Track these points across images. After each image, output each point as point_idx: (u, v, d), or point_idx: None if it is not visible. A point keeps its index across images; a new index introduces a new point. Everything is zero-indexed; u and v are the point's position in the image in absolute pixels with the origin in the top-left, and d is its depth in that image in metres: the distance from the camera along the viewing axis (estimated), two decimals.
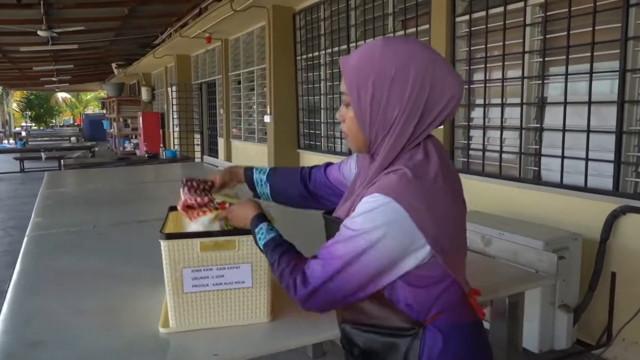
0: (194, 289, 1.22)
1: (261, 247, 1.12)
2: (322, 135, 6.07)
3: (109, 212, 2.84)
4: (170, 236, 1.19)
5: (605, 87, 2.99)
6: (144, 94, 15.29)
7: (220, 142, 9.56)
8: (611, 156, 2.88)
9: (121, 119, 15.97)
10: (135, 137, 15.35)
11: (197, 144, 11.01)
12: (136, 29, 9.96)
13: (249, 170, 1.44)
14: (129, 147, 15.39)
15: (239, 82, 8.53)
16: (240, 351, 1.18)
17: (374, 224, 0.93)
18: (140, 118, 13.69)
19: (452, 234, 0.99)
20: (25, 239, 2.25)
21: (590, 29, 2.91)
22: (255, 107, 7.86)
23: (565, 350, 2.85)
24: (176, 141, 11.05)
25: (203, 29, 7.91)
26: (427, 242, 0.94)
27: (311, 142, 6.39)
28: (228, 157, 9.06)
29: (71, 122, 35.87)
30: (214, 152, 10.28)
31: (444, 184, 0.98)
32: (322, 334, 1.22)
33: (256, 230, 1.14)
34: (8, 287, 1.65)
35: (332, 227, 1.12)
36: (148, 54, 11.67)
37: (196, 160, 9.48)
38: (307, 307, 1.01)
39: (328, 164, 1.41)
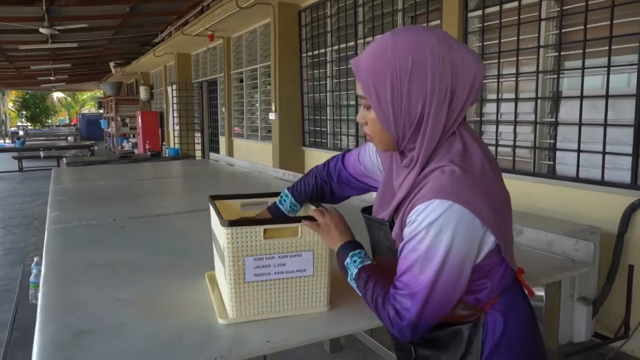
0: (255, 278, 1.19)
1: (356, 270, 1.07)
2: (328, 132, 6.06)
3: (125, 206, 2.82)
4: (233, 223, 1.16)
5: (622, 81, 2.99)
6: (143, 93, 15.23)
7: (222, 140, 9.53)
8: (629, 149, 2.88)
9: (119, 118, 15.90)
10: (134, 136, 15.30)
11: (198, 143, 10.98)
12: (136, 27, 9.93)
13: (272, 207, 1.40)
14: (127, 146, 15.32)
15: (241, 80, 8.50)
16: (293, 339, 1.16)
17: (442, 234, 0.90)
18: (139, 117, 13.64)
19: (507, 218, 0.99)
20: (46, 232, 2.22)
21: (607, 22, 2.92)
22: (258, 105, 7.84)
23: (583, 343, 2.85)
24: (176, 140, 11.01)
25: (206, 27, 7.88)
26: (491, 234, 0.93)
27: (316, 140, 6.38)
28: (230, 155, 9.03)
29: (67, 121, 35.68)
30: (215, 151, 10.25)
31: (490, 170, 0.97)
32: (374, 320, 1.20)
33: (352, 252, 1.10)
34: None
35: (374, 227, 1.12)
36: (148, 52, 11.63)
37: (197, 158, 9.45)
38: (413, 337, 0.98)
39: (343, 158, 1.37)
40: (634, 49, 2.82)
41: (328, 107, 6.03)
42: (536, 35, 3.36)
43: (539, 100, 3.39)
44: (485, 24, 3.76)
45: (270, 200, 1.45)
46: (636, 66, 2.82)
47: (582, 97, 3.11)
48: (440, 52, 0.94)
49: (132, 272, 1.64)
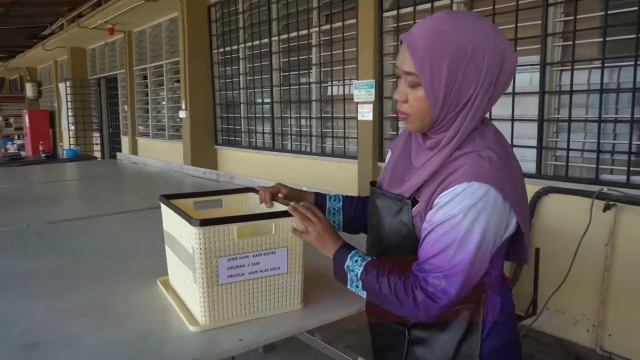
0: (229, 280, 1.13)
1: (362, 268, 1.05)
2: (242, 130, 5.97)
3: (35, 211, 2.58)
4: (205, 222, 1.08)
5: (526, 79, 3.26)
6: (29, 90, 13.99)
7: (125, 140, 9.03)
8: (534, 142, 3.15)
9: (2, 118, 14.45)
10: (19, 137, 13.98)
11: (97, 143, 10.30)
12: (23, 18, 9.09)
13: (320, 197, 1.33)
14: (12, 148, 13.97)
15: (145, 77, 8.11)
16: (265, 335, 1.13)
17: (480, 218, 0.92)
18: (27, 116, 12.48)
19: (526, 203, 1.04)
20: None
21: (513, 25, 3.16)
22: (165, 103, 7.52)
23: None
24: (72, 140, 10.24)
25: (105, 20, 7.42)
26: (515, 218, 0.98)
27: (230, 138, 6.25)
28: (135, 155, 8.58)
29: None
30: (115, 151, 9.68)
31: (515, 157, 1.03)
32: (348, 308, 1.21)
33: (350, 255, 1.08)
34: None
35: (385, 203, 1.10)
36: (36, 45, 10.70)
37: (98, 159, 8.86)
38: (436, 318, 1.00)
39: None
40: (537, 50, 3.08)
41: (242, 105, 5.93)
42: None
43: None
44: (400, 24, 3.91)
45: (226, 198, 1.39)
46: (538, 66, 3.08)
47: None
48: (496, 41, 0.96)
49: (66, 280, 1.51)
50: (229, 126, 6.23)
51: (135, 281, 1.45)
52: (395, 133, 4.09)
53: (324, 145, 4.83)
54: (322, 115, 4.81)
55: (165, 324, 1.19)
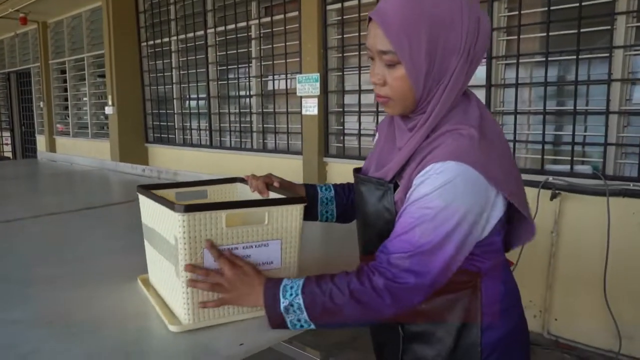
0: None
1: (301, 296, 0.92)
2: (176, 127, 5.69)
3: None
4: (190, 208, 0.95)
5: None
6: None
7: (40, 140, 8.35)
8: None
9: None
10: None
11: (7, 143, 9.47)
12: None
13: (311, 188, 1.23)
14: None
15: (63, 72, 7.54)
16: (266, 337, 1.01)
17: (456, 197, 0.86)
18: None
19: (519, 186, 0.98)
20: None
21: None
22: (87, 99, 7.02)
23: None
24: None
25: (16, 8, 6.81)
26: (503, 200, 0.92)
27: (162, 135, 5.94)
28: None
29: None
30: (31, 152, 8.95)
31: (503, 139, 0.96)
32: None
33: (281, 288, 0.94)
34: None
35: (369, 189, 1.03)
36: None
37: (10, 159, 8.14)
38: (411, 305, 0.90)
39: None
40: None
41: (175, 100, 5.65)
42: None
43: None
44: (344, 17, 3.86)
45: (211, 188, 1.26)
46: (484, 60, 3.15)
47: None
48: (471, 6, 0.89)
49: (12, 288, 1.30)
50: (161, 123, 5.92)
51: (97, 285, 1.27)
52: (340, 128, 4.05)
53: (265, 141, 4.70)
54: (264, 110, 4.68)
55: (145, 329, 1.04)
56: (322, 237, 1.83)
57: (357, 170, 1.11)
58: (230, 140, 5.08)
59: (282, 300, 0.93)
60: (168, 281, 1.08)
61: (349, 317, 0.90)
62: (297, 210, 1.07)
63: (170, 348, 0.97)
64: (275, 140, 4.59)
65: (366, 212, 1.04)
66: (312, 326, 0.94)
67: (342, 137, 4.04)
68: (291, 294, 0.93)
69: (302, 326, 0.94)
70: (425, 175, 0.88)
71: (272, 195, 1.15)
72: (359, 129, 3.89)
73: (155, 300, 1.12)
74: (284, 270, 1.09)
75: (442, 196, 0.86)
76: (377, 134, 1.16)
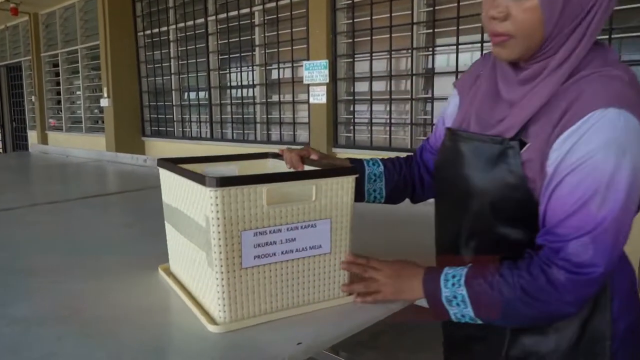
0: (256, 262, 0.83)
1: (465, 287, 0.80)
2: (175, 119, 5.49)
3: None
4: (224, 182, 0.78)
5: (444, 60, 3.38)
6: None
7: (32, 135, 8.11)
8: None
9: None
10: None
11: None
12: None
13: (357, 163, 1.06)
14: None
15: (56, 65, 7.30)
16: (325, 335, 0.84)
17: (625, 152, 0.70)
18: None
19: None
20: None
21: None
22: (81, 92, 6.79)
23: None
24: None
25: None
26: None
27: (160, 128, 5.74)
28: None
29: None
30: (21, 148, 8.70)
31: None
32: None
33: (442, 277, 0.83)
34: None
35: (475, 146, 0.85)
36: None
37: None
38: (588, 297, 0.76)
39: (422, 148, 1.11)
40: (477, 29, 3.02)
41: (173, 92, 5.45)
42: (409, 12, 3.40)
43: (414, 77, 3.44)
44: (355, 0, 3.70)
45: (241, 164, 1.09)
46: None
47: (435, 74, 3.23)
48: None
49: (13, 282, 1.11)
50: (159, 115, 5.72)
51: (114, 276, 1.10)
52: (349, 117, 3.88)
53: (270, 132, 4.52)
54: (268, 100, 4.49)
55: (174, 327, 0.87)
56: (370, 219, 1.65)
57: (449, 129, 0.92)
58: (233, 133, 4.89)
59: (443, 290, 0.82)
60: (197, 271, 0.90)
61: (517, 316, 0.79)
62: (349, 182, 0.90)
63: (213, 347, 0.79)
64: (280, 131, 4.41)
65: (471, 177, 0.85)
66: (479, 321, 0.81)
67: (352, 127, 3.87)
68: (453, 284, 0.81)
69: (466, 322, 0.83)
70: (580, 130, 0.72)
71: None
72: (370, 118, 3.72)
73: (184, 294, 0.94)
74: (334, 255, 0.91)
75: (611, 154, 0.70)
76: (455, 93, 0.98)
